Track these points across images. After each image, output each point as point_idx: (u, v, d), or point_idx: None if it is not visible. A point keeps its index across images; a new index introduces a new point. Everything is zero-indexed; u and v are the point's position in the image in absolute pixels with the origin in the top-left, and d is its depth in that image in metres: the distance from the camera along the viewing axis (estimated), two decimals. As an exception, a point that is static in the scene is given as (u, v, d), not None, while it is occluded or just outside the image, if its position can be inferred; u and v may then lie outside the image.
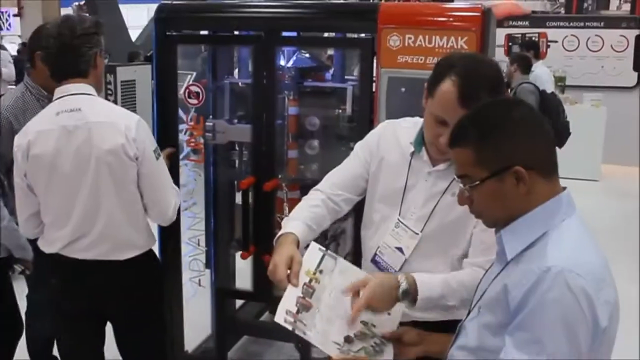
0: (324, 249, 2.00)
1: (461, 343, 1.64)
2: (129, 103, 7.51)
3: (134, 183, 2.50)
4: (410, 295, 1.91)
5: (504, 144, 1.50)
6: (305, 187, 3.40)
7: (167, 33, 3.24)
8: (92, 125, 2.42)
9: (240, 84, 3.54)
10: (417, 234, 2.09)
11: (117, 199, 2.48)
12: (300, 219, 2.11)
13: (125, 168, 2.46)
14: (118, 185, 2.47)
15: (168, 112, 3.28)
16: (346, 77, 3.43)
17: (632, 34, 9.61)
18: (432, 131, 2.01)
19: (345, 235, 3.42)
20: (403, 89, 2.91)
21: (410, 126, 2.21)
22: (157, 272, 2.80)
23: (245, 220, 3.20)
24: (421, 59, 2.94)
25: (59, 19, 2.52)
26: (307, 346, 3.37)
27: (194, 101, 3.27)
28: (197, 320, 3.86)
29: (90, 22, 2.50)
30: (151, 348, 2.78)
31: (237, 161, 3.58)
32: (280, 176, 3.32)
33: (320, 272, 1.93)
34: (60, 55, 2.44)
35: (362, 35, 3.12)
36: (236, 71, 3.71)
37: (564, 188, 1.55)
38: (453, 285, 1.97)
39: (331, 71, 3.55)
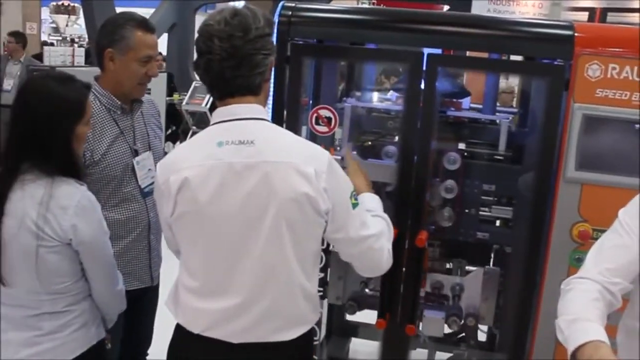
0: None
1: None
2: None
3: (319, 240, 1.87)
4: None
5: None
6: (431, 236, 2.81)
7: (294, 41, 2.61)
8: (269, 166, 1.75)
9: (361, 107, 2.92)
10: None
11: (295, 261, 1.81)
12: (593, 320, 1.62)
13: (310, 224, 1.80)
14: (297, 243, 1.80)
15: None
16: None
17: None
18: None
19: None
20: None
21: None
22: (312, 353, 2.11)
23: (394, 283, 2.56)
24: (625, 95, 2.39)
25: (224, 12, 1.79)
26: None
27: (324, 129, 2.61)
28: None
29: (264, 18, 1.81)
30: None
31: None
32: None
33: None
34: (230, 65, 1.76)
35: (550, 60, 2.52)
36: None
37: None
38: None
39: (468, 99, 2.97)
